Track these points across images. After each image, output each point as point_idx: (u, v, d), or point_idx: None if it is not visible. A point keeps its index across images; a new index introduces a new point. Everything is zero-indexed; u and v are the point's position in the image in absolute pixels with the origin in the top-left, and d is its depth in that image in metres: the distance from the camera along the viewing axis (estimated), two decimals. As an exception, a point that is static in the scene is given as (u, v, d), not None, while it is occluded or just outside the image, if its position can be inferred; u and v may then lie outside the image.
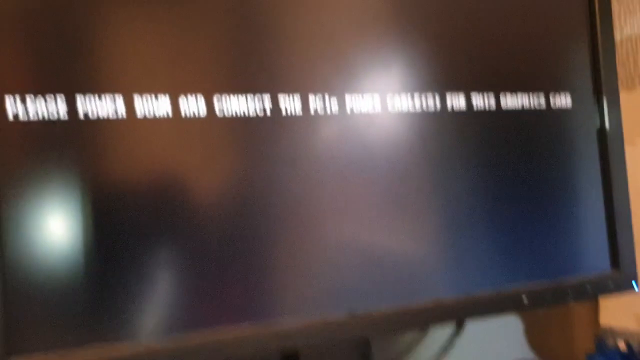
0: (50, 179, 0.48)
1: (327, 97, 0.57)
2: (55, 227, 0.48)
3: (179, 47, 0.52)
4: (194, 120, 0.52)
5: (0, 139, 0.46)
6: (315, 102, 0.57)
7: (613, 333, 0.79)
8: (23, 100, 0.47)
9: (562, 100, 0.68)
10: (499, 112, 0.65)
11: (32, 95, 0.47)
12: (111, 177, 0.49)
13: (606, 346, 0.75)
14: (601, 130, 0.70)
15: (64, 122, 0.48)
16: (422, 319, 0.61)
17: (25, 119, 0.47)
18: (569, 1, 0.70)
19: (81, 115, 0.48)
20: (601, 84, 0.70)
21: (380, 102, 0.59)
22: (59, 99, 0.48)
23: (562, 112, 0.68)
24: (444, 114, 0.62)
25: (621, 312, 0.82)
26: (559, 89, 0.68)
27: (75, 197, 0.48)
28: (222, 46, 0.54)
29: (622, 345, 0.75)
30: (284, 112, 0.55)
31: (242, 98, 0.54)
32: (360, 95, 0.58)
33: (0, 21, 0.47)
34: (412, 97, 0.61)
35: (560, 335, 0.85)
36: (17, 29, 0.48)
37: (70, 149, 0.48)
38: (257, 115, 0.54)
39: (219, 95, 0.53)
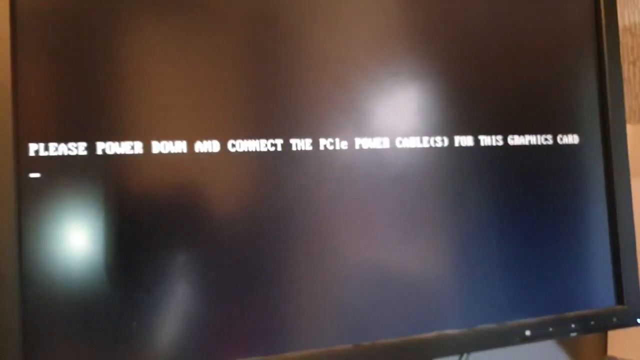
0: (70, 200, 0.50)
1: (337, 140, 0.60)
2: (72, 247, 0.50)
3: (196, 97, 0.55)
4: (208, 155, 0.55)
5: (22, 165, 0.49)
6: (325, 144, 0.59)
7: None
8: (46, 149, 0.50)
9: (569, 138, 0.70)
10: (506, 147, 0.67)
11: (55, 144, 0.50)
12: (127, 203, 0.52)
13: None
14: (607, 166, 0.71)
15: (82, 156, 0.51)
16: (426, 351, 0.63)
17: (45, 154, 0.50)
18: (576, 39, 0.71)
19: (99, 152, 0.51)
20: (608, 120, 0.71)
21: (390, 143, 0.62)
22: (80, 147, 0.51)
23: (568, 147, 0.70)
24: (452, 150, 0.64)
25: (629, 344, 0.83)
26: (566, 130, 0.69)
27: (93, 219, 0.51)
28: (237, 95, 0.56)
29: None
30: (294, 148, 0.58)
31: (255, 142, 0.56)
32: (369, 139, 0.61)
33: (25, 76, 0.50)
34: (421, 141, 0.63)
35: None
36: (42, 82, 0.50)
37: (88, 174, 0.51)
38: (268, 151, 0.57)
39: (233, 141, 0.55)
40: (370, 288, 0.60)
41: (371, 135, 0.61)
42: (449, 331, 0.63)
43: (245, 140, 0.56)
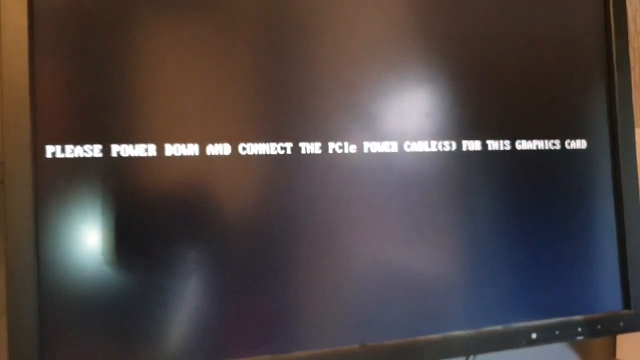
0: (86, 201, 0.52)
1: (346, 144, 0.61)
2: (86, 246, 0.52)
3: (209, 101, 0.56)
4: (219, 158, 0.56)
5: (40, 166, 0.51)
6: (334, 148, 0.60)
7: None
8: (63, 151, 0.51)
9: (577, 143, 0.70)
10: (514, 152, 0.67)
11: (72, 146, 0.52)
12: (140, 203, 0.53)
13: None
14: (615, 171, 0.72)
15: (98, 158, 0.52)
16: (432, 352, 0.64)
17: (62, 156, 0.51)
18: (585, 44, 0.72)
19: (114, 154, 0.53)
20: (616, 125, 0.72)
21: (398, 147, 0.63)
22: (96, 149, 0.52)
23: (576, 152, 0.70)
24: (459, 154, 0.65)
25: (637, 348, 0.83)
26: (574, 135, 0.70)
27: (107, 219, 0.52)
28: (248, 100, 0.58)
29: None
30: (303, 152, 0.59)
31: (265, 145, 0.58)
32: (378, 143, 0.62)
33: (42, 80, 0.51)
34: (429, 145, 0.64)
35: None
36: (58, 86, 0.52)
37: (103, 175, 0.52)
38: (278, 154, 0.58)
39: (244, 144, 0.57)
40: (378, 289, 0.61)
41: (380, 139, 0.61)
42: (456, 333, 0.64)
43: (255, 144, 0.57)
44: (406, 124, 0.63)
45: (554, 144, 0.69)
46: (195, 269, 0.55)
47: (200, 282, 0.55)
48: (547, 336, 0.68)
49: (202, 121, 0.55)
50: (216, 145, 0.55)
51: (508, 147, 0.67)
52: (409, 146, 0.63)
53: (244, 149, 0.56)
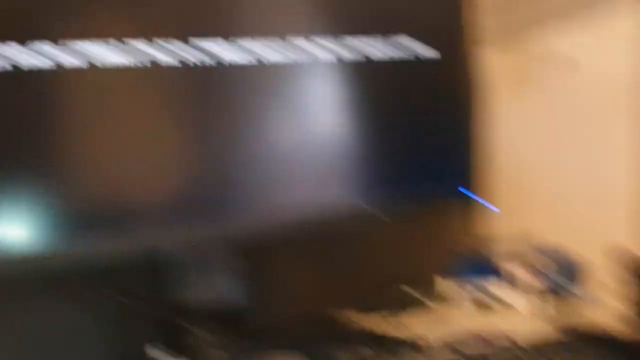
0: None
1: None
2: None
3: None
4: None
5: None
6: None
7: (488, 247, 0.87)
8: None
9: (430, 53, 0.75)
10: (370, 62, 0.72)
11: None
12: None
13: (475, 256, 0.83)
14: (464, 79, 0.78)
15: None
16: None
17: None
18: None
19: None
20: (466, 41, 0.77)
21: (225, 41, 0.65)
22: None
23: (426, 61, 0.75)
24: (316, 64, 0.69)
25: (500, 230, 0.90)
26: (397, 30, 0.74)
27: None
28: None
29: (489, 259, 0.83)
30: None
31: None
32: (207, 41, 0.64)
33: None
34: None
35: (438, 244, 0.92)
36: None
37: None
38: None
39: (66, 40, 0.57)
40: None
41: (206, 36, 0.64)
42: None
43: (79, 41, 0.58)
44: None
45: (408, 55, 0.74)
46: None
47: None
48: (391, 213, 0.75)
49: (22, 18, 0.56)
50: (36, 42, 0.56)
51: (364, 60, 0.71)
52: (240, 43, 0.65)
53: (65, 44, 0.57)
